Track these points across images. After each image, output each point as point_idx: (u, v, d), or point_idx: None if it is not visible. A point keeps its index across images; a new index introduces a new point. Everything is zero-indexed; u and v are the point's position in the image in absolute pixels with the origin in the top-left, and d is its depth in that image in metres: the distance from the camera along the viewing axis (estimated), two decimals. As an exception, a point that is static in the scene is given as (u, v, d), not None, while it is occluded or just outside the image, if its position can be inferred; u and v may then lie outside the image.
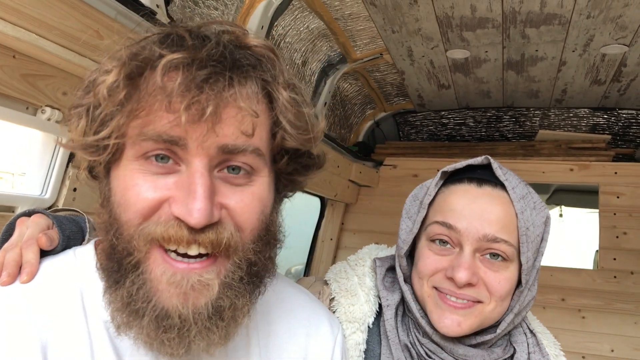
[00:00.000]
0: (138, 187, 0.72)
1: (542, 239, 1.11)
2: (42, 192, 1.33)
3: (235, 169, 0.75)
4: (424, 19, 2.28)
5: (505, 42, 2.45)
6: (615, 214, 3.11)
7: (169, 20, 1.53)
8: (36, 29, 1.10)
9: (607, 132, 3.38)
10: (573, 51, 2.50)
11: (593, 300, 3.09)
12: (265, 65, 0.78)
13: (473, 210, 1.06)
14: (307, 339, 0.98)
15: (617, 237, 3.08)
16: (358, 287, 1.20)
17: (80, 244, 0.92)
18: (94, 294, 0.79)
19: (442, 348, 1.11)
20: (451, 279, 1.04)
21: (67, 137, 1.36)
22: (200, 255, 0.74)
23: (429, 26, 2.34)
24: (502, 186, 1.08)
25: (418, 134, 3.87)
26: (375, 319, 1.17)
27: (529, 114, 3.49)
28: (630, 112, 3.24)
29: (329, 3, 2.28)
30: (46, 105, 1.27)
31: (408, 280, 1.18)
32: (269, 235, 0.81)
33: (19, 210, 1.27)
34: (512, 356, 1.17)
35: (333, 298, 1.21)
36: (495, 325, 1.13)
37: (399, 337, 1.14)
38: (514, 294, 1.10)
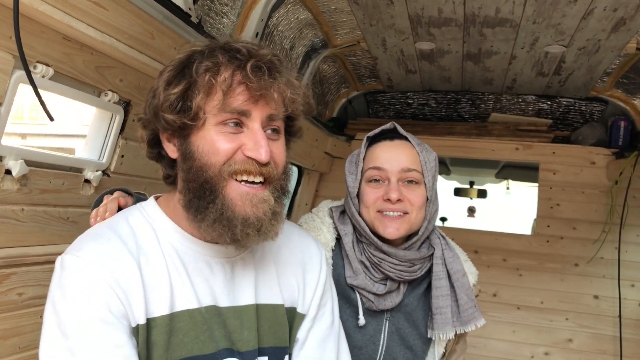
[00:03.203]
0: (221, 141, 1.13)
1: (436, 170, 1.67)
2: (99, 157, 1.67)
3: (273, 130, 1.19)
4: (398, 16, 2.65)
5: (465, 38, 2.86)
6: (551, 188, 3.62)
7: (197, 20, 1.86)
8: (112, 33, 1.43)
9: (549, 116, 3.86)
10: (522, 48, 2.93)
11: (529, 260, 3.63)
12: (284, 66, 1.20)
13: (391, 155, 1.62)
14: (303, 255, 1.40)
15: (552, 207, 3.61)
16: (321, 224, 1.71)
17: None
18: (162, 227, 1.20)
19: (388, 255, 1.61)
20: (387, 200, 1.58)
21: (121, 115, 1.69)
22: (258, 182, 1.15)
23: (402, 22, 2.72)
24: (406, 139, 1.65)
25: (386, 112, 4.27)
26: (335, 244, 1.69)
27: (484, 97, 3.91)
28: (569, 100, 3.73)
29: (318, -1, 2.63)
30: (108, 90, 1.60)
31: (358, 213, 1.67)
32: (288, 170, 1.25)
33: (85, 171, 1.62)
34: (432, 254, 1.69)
35: None
36: (416, 232, 1.65)
37: (356, 255, 1.64)
38: (426, 206, 1.64)
